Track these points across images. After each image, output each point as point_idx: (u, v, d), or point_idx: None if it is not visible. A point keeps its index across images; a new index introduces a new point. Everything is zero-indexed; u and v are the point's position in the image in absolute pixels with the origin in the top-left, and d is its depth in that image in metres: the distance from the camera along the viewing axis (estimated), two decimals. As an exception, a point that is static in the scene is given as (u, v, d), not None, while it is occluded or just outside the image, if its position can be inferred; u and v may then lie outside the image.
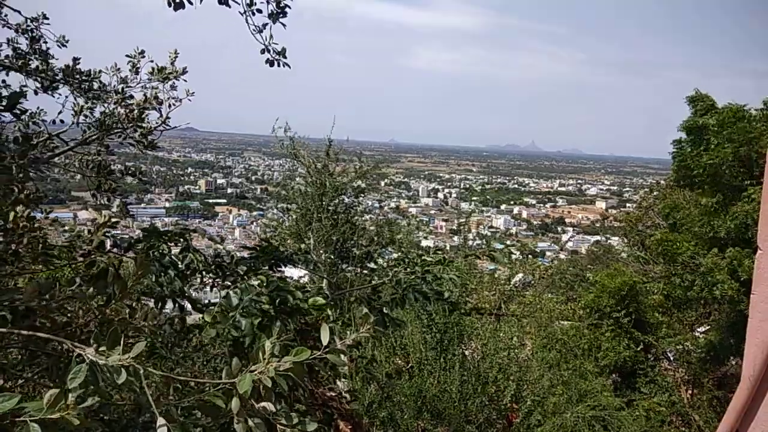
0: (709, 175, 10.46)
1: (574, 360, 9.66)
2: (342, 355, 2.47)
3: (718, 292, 9.96)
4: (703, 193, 11.03)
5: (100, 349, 1.92)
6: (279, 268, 3.94)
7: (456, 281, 4.17)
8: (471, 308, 8.83)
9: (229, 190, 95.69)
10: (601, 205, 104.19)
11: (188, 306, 3.55)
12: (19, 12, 4.65)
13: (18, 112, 3.64)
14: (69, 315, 3.04)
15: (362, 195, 9.22)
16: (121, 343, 1.87)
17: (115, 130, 5.43)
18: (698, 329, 13.83)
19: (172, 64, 5.61)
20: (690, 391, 12.33)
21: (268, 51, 3.96)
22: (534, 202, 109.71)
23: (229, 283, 3.13)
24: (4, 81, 4.92)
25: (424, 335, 6.52)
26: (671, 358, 13.10)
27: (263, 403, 2.01)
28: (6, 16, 4.74)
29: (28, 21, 4.82)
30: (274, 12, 3.80)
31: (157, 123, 5.64)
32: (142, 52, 5.40)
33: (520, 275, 13.96)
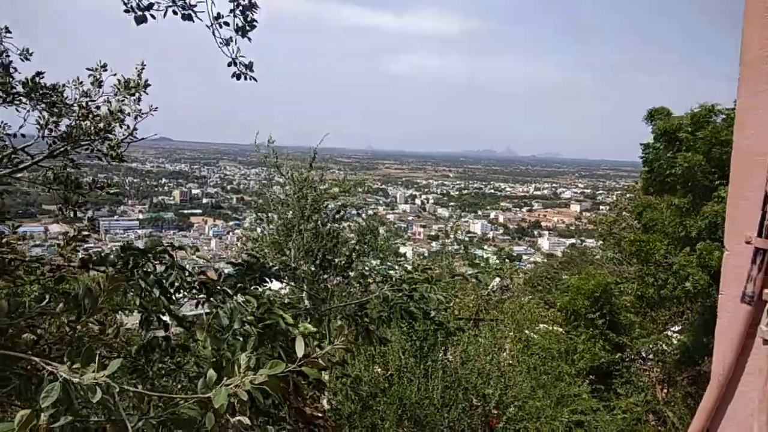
0: (682, 176, 10.69)
1: (551, 363, 9.75)
2: (322, 370, 2.45)
3: (689, 284, 10.19)
4: (675, 194, 11.27)
5: (74, 366, 1.87)
6: (264, 283, 3.90)
7: (443, 302, 4.18)
8: (450, 315, 8.84)
9: (205, 200, 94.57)
10: (575, 208, 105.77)
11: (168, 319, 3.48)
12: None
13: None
14: (38, 332, 2.95)
15: (344, 210, 9.22)
16: (96, 360, 1.83)
17: (82, 143, 5.33)
18: (671, 328, 14.08)
19: (139, 75, 5.53)
20: (665, 390, 12.54)
21: (235, 64, 3.92)
22: (510, 206, 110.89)
23: (215, 302, 3.07)
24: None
25: (405, 343, 6.50)
26: (645, 358, 13.32)
27: (238, 417, 1.97)
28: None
29: None
30: (241, 26, 3.76)
31: (124, 135, 5.55)
32: (105, 65, 5.31)
33: (498, 280, 14.07)
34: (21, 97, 4.99)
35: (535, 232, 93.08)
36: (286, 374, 2.19)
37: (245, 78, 3.86)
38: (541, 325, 11.65)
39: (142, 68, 5.56)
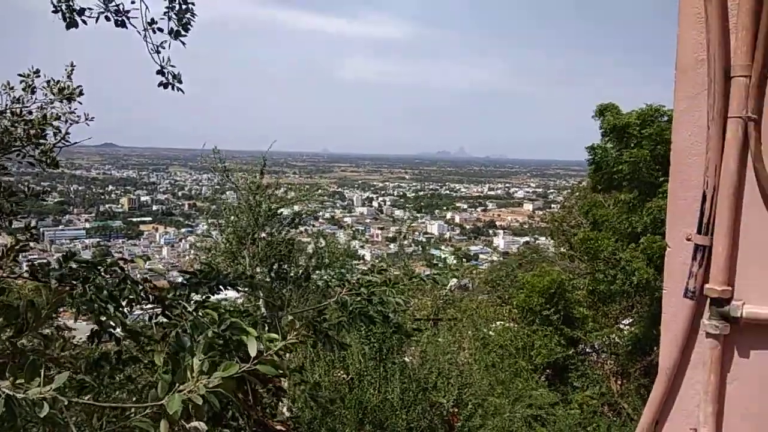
0: (628, 173, 11.12)
1: (509, 360, 9.93)
2: (281, 373, 2.41)
3: (635, 278, 10.62)
4: (622, 191, 11.71)
5: (17, 382, 1.79)
6: (219, 292, 3.81)
7: (402, 305, 4.18)
8: (410, 317, 8.89)
9: (155, 207, 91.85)
10: (528, 207, 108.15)
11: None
12: None
13: None
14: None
15: (299, 217, 9.09)
16: (41, 375, 1.75)
17: (13, 149, 5.09)
18: (623, 322, 14.58)
19: (69, 77, 5.32)
20: (619, 382, 12.97)
21: (163, 74, 3.81)
22: (465, 206, 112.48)
23: (171, 315, 2.98)
24: None
25: (363, 346, 6.49)
26: (599, 351, 13.74)
27: (194, 423, 1.92)
28: None
29: None
30: (174, 29, 3.66)
31: (56, 140, 5.33)
32: (37, 71, 5.10)
33: (455, 280, 14.23)
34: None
35: (491, 232, 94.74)
36: (242, 375, 2.14)
37: (173, 88, 3.77)
38: (498, 323, 11.86)
39: (72, 69, 5.32)
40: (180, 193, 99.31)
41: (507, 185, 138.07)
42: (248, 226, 8.24)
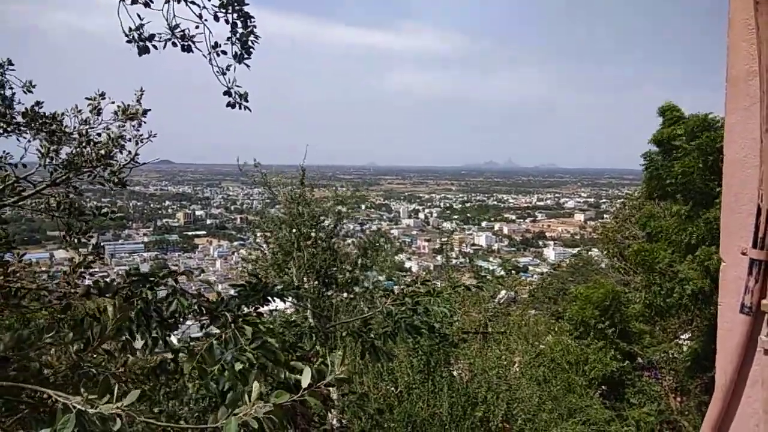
0: (681, 183, 10.72)
1: (562, 374, 9.67)
2: (332, 390, 2.46)
3: (689, 288, 10.19)
4: (675, 202, 11.28)
5: (90, 397, 1.89)
6: (267, 304, 3.90)
7: (447, 314, 4.19)
8: (457, 329, 8.81)
9: (209, 222, 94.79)
10: (579, 217, 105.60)
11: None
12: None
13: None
14: (45, 362, 2.97)
15: (343, 221, 9.19)
16: (114, 391, 1.85)
17: (84, 170, 5.40)
18: (682, 336, 13.98)
19: (138, 101, 5.63)
20: (678, 399, 12.40)
21: (230, 95, 3.98)
22: (514, 217, 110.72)
23: (217, 327, 3.08)
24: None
25: (411, 359, 6.48)
26: (657, 367, 13.20)
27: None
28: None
29: None
30: (239, 53, 3.83)
31: (125, 161, 5.63)
32: (103, 93, 5.41)
33: (504, 292, 14.01)
34: (21, 127, 5.07)
35: (540, 243, 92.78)
36: (292, 403, 2.20)
37: (240, 107, 3.93)
38: (550, 337, 11.59)
39: (141, 94, 5.66)
40: (232, 207, 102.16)
41: (557, 195, 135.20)
42: (292, 236, 8.39)
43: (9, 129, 5.02)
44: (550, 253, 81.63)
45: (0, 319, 3.31)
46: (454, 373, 6.90)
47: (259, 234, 9.87)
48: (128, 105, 5.63)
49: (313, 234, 8.35)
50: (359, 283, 8.10)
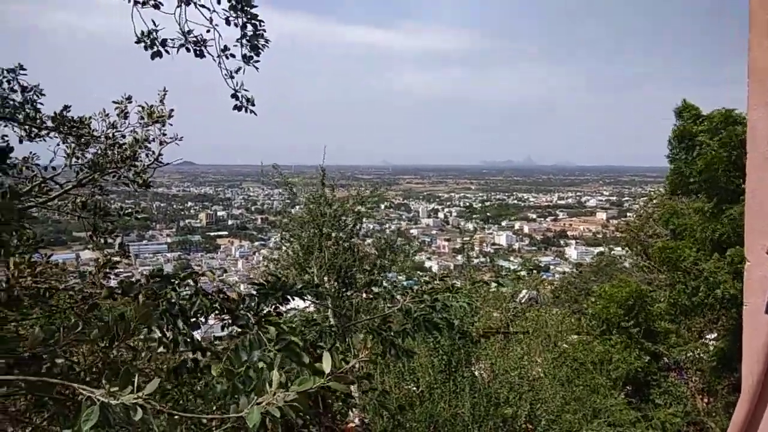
0: (704, 180, 10.52)
1: (585, 375, 9.56)
2: (350, 384, 2.47)
3: (719, 292, 9.96)
4: (699, 199, 11.08)
5: (112, 390, 1.93)
6: (287, 302, 3.93)
7: (466, 309, 4.17)
8: (478, 329, 8.76)
9: (230, 222, 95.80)
10: (601, 216, 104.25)
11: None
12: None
13: (5, 167, 3.67)
14: (73, 359, 3.03)
15: (362, 221, 9.21)
16: (135, 383, 1.89)
17: (109, 171, 5.50)
18: (708, 336, 13.71)
19: (161, 101, 5.70)
20: (705, 399, 12.17)
21: (237, 98, 4.02)
22: (534, 216, 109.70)
23: (238, 327, 3.11)
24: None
25: (432, 359, 6.46)
26: (683, 366, 12.96)
27: (272, 439, 2.00)
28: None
29: (5, 71, 4.89)
30: (247, 54, 3.87)
31: (149, 161, 5.72)
32: (129, 97, 5.50)
33: (525, 291, 13.89)
34: (50, 131, 5.18)
35: (562, 242, 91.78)
36: (317, 390, 2.22)
37: (246, 111, 3.97)
38: (573, 336, 11.46)
39: (164, 95, 5.74)
40: (253, 208, 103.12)
41: (578, 194, 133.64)
42: (314, 236, 8.43)
43: (41, 133, 5.14)
44: (572, 252, 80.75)
45: (30, 318, 3.39)
46: (476, 373, 6.86)
47: (281, 234, 9.94)
48: (152, 106, 5.72)
49: (334, 234, 8.38)
50: (378, 284, 8.11)
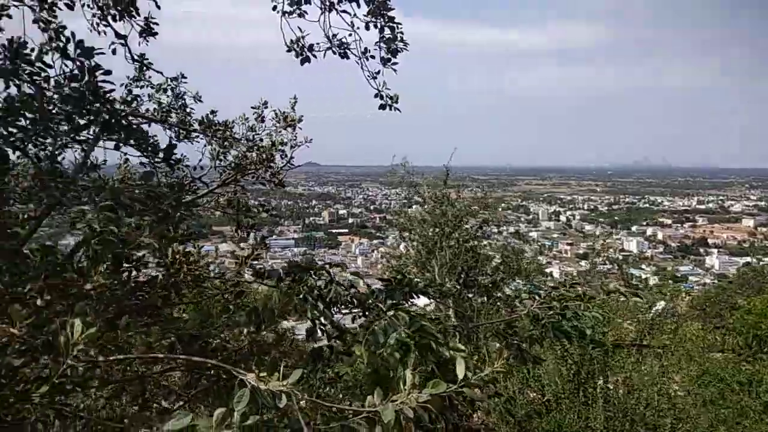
0: None
1: (732, 396, 8.62)
2: (478, 390, 2.43)
3: None
4: None
5: (261, 375, 2.05)
6: (411, 299, 3.99)
7: (600, 319, 3.94)
8: (611, 339, 8.25)
9: (350, 220, 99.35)
10: (748, 222, 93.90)
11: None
12: (161, 73, 5.24)
13: (173, 161, 4.06)
14: (223, 341, 3.28)
15: (485, 226, 9.12)
16: (281, 370, 1.99)
17: (249, 172, 5.94)
18: None
19: (293, 108, 6.06)
20: None
21: (381, 97, 4.11)
22: (670, 221, 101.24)
23: (369, 317, 3.20)
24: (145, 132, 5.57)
25: (560, 367, 6.17)
26: None
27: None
28: (150, 77, 5.34)
29: (169, 80, 5.40)
30: (385, 57, 3.95)
31: (282, 163, 6.11)
32: (266, 103, 5.90)
33: (662, 302, 12.84)
34: (197, 133, 5.70)
35: (702, 250, 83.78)
36: (448, 394, 2.21)
37: (390, 109, 4.04)
38: (716, 354, 10.41)
39: (295, 102, 6.10)
40: (372, 207, 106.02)
41: (720, 198, 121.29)
42: (435, 236, 8.48)
43: (188, 135, 5.65)
44: (714, 261, 73.40)
45: (186, 303, 3.71)
46: (609, 386, 6.44)
47: (400, 233, 10.11)
48: (284, 112, 6.11)
49: (456, 234, 8.37)
50: (500, 288, 7.96)
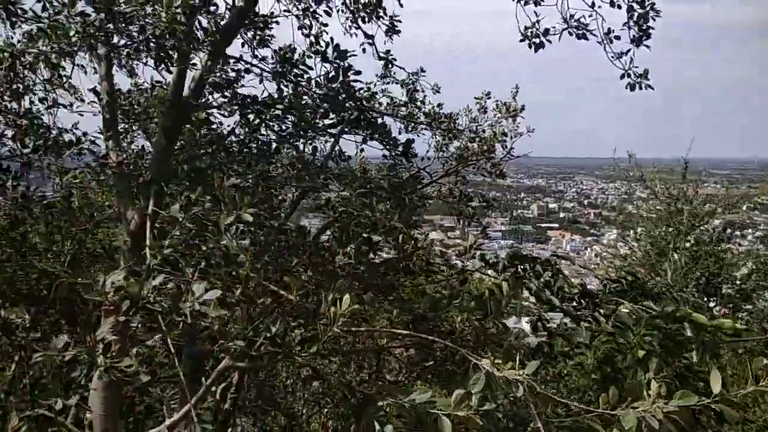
0: None
1: None
2: (734, 409, 2.18)
3: None
4: None
5: (496, 361, 2.12)
6: (641, 301, 3.72)
7: None
8: None
9: (561, 215, 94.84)
10: None
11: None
12: (404, 69, 5.61)
13: (410, 155, 4.37)
14: (451, 324, 3.46)
15: (730, 228, 8.00)
16: (517, 359, 2.04)
17: (470, 163, 6.09)
18: None
19: (514, 98, 6.01)
20: None
21: (629, 75, 3.87)
22: None
23: (601, 313, 3.08)
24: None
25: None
26: None
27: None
28: (395, 73, 5.76)
29: (410, 75, 5.75)
30: (636, 36, 3.71)
31: (502, 154, 6.13)
32: (488, 93, 5.94)
33: None
34: (425, 125, 6.02)
35: None
36: (698, 408, 2.04)
37: (640, 88, 3.78)
38: None
39: (516, 91, 6.04)
40: (586, 202, 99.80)
41: None
42: (668, 235, 7.72)
43: (417, 128, 6.01)
44: None
45: (415, 285, 3.98)
46: None
47: (625, 233, 9.41)
48: (506, 102, 6.11)
49: (692, 235, 7.52)
50: (751, 300, 6.95)
